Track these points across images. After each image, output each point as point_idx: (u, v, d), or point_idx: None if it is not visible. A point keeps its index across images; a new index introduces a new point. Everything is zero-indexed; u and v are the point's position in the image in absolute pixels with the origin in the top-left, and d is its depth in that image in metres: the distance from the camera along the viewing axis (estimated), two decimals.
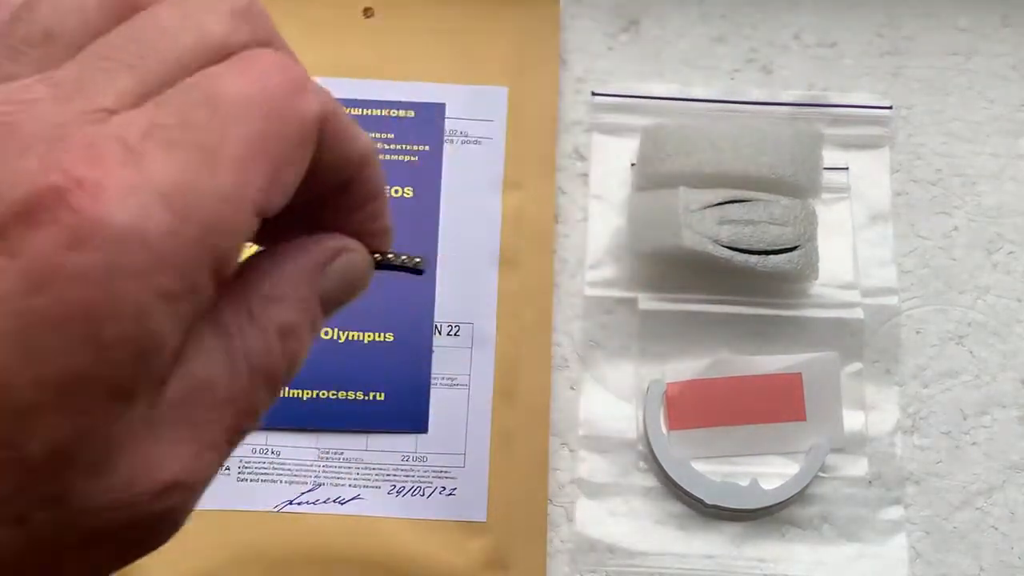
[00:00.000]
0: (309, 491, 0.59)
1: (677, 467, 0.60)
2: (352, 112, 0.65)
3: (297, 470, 0.60)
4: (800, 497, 0.60)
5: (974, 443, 0.62)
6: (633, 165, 0.65)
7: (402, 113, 0.65)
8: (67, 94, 0.25)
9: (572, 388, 0.62)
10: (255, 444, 0.60)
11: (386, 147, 0.65)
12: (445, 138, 0.65)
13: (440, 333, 0.62)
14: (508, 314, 0.62)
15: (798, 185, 0.62)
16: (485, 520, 0.59)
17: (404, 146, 0.65)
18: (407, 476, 0.60)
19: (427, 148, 0.65)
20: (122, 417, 0.25)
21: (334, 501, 0.59)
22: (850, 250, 0.64)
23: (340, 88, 0.65)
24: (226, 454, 0.28)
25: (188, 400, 0.27)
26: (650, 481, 0.61)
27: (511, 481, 0.60)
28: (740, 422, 0.61)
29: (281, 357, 0.29)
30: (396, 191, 0.64)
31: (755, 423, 0.61)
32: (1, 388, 0.23)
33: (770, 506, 0.60)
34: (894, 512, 0.61)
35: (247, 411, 0.28)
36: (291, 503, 0.59)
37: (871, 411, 0.62)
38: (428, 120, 0.65)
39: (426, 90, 0.66)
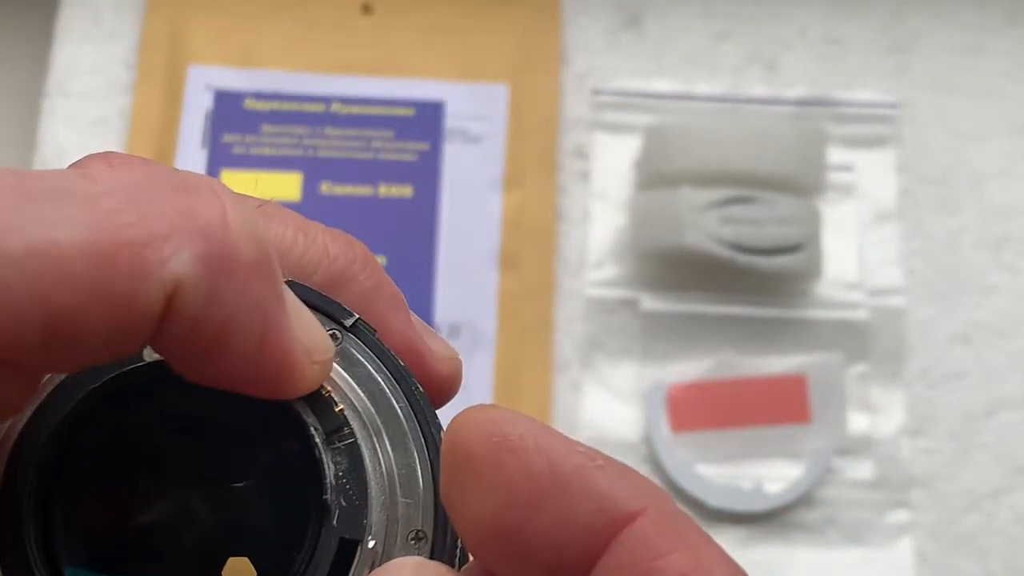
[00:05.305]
0: None
1: (680, 470, 0.60)
2: (351, 110, 0.65)
3: None
4: (804, 500, 0.60)
5: (981, 445, 0.61)
6: (636, 164, 0.65)
7: (401, 111, 0.65)
8: None
9: (574, 390, 0.62)
10: None
11: (385, 145, 0.64)
12: (445, 136, 0.64)
13: (440, 333, 0.61)
14: (508, 314, 0.62)
15: (802, 184, 0.62)
16: None
17: (403, 144, 0.64)
18: None
19: (427, 146, 0.64)
20: None
21: None
22: (855, 250, 0.63)
23: (339, 86, 0.65)
24: None
25: None
26: None
27: None
28: (744, 424, 0.61)
29: None
30: (395, 190, 0.64)
31: (759, 425, 0.61)
32: None
33: (774, 509, 0.60)
34: (900, 515, 0.60)
35: None
36: None
37: (876, 413, 0.61)
38: (428, 118, 0.65)
39: (426, 88, 0.65)
